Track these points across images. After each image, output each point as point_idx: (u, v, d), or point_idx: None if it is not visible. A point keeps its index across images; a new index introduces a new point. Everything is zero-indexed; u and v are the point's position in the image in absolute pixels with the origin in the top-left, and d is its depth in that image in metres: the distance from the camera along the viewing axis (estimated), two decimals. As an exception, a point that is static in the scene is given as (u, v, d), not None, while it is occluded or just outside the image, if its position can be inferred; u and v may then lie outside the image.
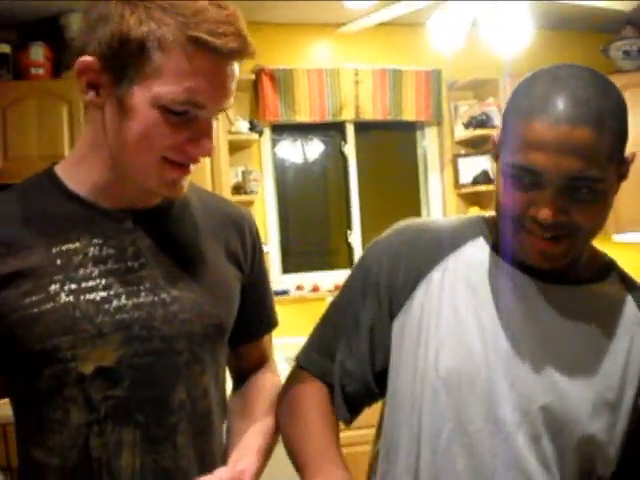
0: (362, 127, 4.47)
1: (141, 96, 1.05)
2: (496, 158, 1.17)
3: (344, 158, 4.47)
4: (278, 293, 3.98)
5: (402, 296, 1.24)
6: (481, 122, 4.22)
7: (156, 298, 1.15)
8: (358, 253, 4.30)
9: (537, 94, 1.07)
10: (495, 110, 4.20)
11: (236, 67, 1.09)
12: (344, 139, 4.46)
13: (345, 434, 1.31)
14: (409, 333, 1.22)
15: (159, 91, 1.04)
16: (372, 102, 4.27)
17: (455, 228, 1.28)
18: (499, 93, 4.22)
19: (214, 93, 1.07)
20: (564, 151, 1.03)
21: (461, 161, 4.46)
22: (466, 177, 4.41)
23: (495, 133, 1.19)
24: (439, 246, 1.25)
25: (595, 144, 1.03)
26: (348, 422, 1.29)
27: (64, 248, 1.12)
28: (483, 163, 4.33)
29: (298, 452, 1.20)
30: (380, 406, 1.31)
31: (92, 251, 1.14)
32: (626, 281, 1.25)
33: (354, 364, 1.26)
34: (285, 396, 1.31)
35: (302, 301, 4.10)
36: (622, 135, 1.09)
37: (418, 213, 4.59)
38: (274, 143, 4.37)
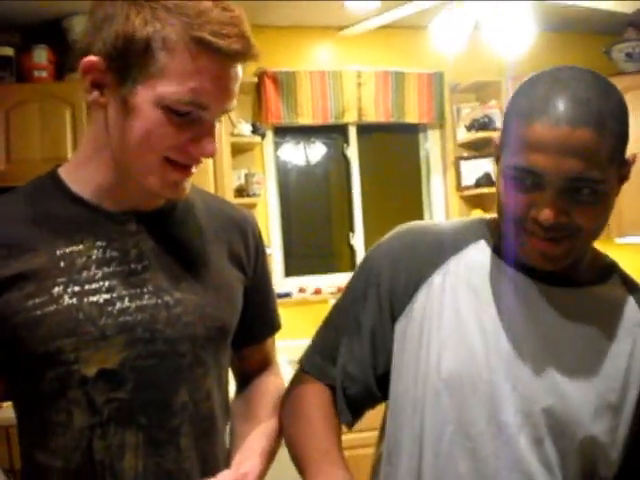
0: (364, 129, 4.47)
1: (145, 96, 1.05)
2: (497, 160, 1.17)
3: (346, 160, 4.47)
4: (280, 296, 3.98)
5: (403, 299, 1.24)
6: (483, 124, 4.22)
7: (159, 300, 1.15)
8: (360, 256, 4.30)
9: (538, 96, 1.07)
10: (497, 112, 4.19)
11: (239, 69, 1.09)
12: (346, 141, 4.46)
13: (347, 437, 1.31)
14: (411, 336, 1.22)
15: (163, 91, 1.04)
16: (374, 104, 4.27)
17: (457, 231, 1.28)
18: (501, 95, 4.22)
19: (217, 94, 1.07)
20: (565, 152, 1.03)
21: (463, 163, 4.46)
22: (469, 179, 4.40)
23: (497, 135, 1.19)
24: (440, 249, 1.25)
25: (596, 145, 1.03)
26: (350, 425, 1.29)
27: (68, 250, 1.13)
28: (485, 165, 4.33)
29: (300, 453, 1.20)
30: (383, 409, 1.31)
31: (95, 253, 1.14)
32: (628, 283, 1.25)
33: (356, 367, 1.26)
34: (288, 398, 1.31)
35: (304, 304, 4.10)
36: (623, 136, 1.09)
37: (420, 216, 4.58)
38: (277, 146, 4.37)
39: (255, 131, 4.03)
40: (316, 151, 4.50)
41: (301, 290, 4.21)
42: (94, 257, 1.14)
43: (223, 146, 3.65)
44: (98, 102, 1.10)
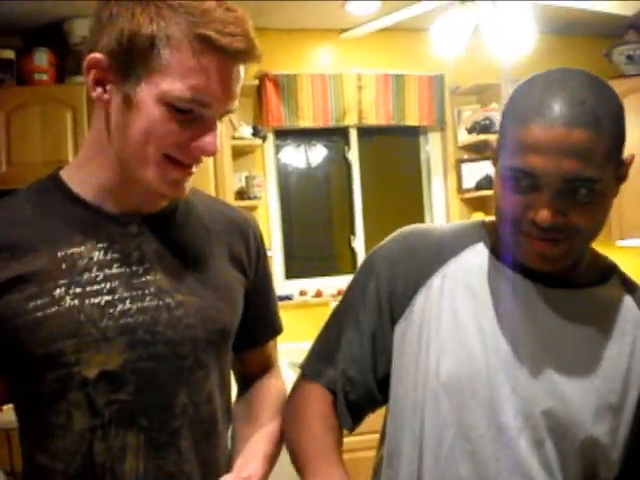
0: (365, 132, 4.47)
1: (148, 92, 1.06)
2: (494, 162, 1.17)
3: (347, 163, 4.47)
4: (281, 298, 3.98)
5: (403, 302, 1.24)
6: (484, 127, 4.22)
7: (160, 302, 1.15)
8: (361, 258, 4.28)
9: (533, 98, 1.08)
10: (498, 115, 4.18)
11: (242, 70, 1.10)
12: (347, 144, 4.46)
13: (348, 440, 1.31)
14: (410, 339, 1.23)
15: (165, 88, 1.05)
16: (375, 107, 4.27)
17: (456, 234, 1.28)
18: (502, 98, 4.22)
19: (219, 92, 1.07)
20: (561, 153, 1.03)
21: (464, 166, 4.46)
22: (469, 182, 4.41)
23: (495, 138, 1.19)
24: (440, 252, 1.25)
25: (592, 145, 1.04)
26: (351, 429, 1.29)
27: (69, 252, 1.13)
28: (486, 168, 4.32)
29: (299, 456, 1.21)
30: (383, 411, 1.31)
31: (97, 255, 1.14)
32: (627, 284, 1.25)
33: (356, 371, 1.26)
34: (290, 403, 1.31)
35: (305, 306, 4.10)
36: (619, 136, 1.09)
37: (421, 218, 4.58)
38: (277, 148, 4.37)
39: (256, 134, 4.03)
40: (317, 154, 4.50)
41: (302, 293, 4.21)
42: (95, 259, 1.14)
43: (224, 149, 3.65)
44: (101, 99, 1.10)
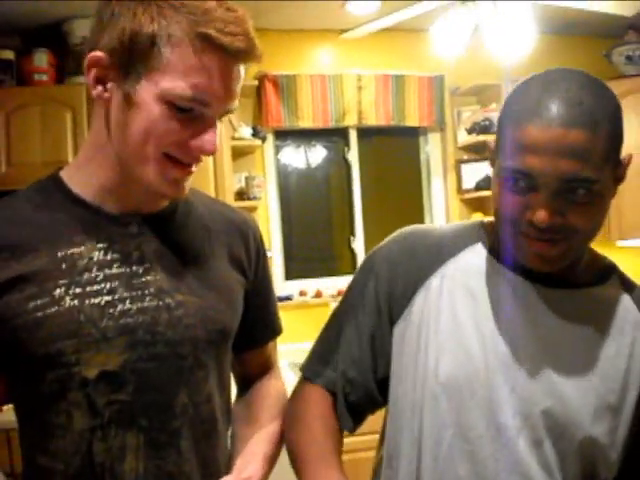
0: (365, 133, 4.47)
1: (148, 91, 1.06)
2: (493, 163, 1.18)
3: (347, 164, 4.47)
4: (281, 299, 3.98)
5: (402, 303, 1.24)
6: (484, 128, 4.22)
7: (160, 303, 1.15)
8: (361, 259, 4.28)
9: (530, 98, 1.08)
10: (498, 116, 4.19)
11: (242, 69, 1.10)
12: (347, 145, 4.46)
13: (348, 440, 1.31)
14: (409, 339, 1.23)
15: (166, 86, 1.05)
16: (375, 108, 4.27)
17: (456, 234, 1.28)
18: (502, 99, 4.21)
19: (220, 91, 1.07)
20: (558, 153, 1.03)
21: (464, 167, 4.46)
22: (469, 183, 4.41)
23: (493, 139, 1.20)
24: (439, 252, 1.25)
25: (589, 145, 1.04)
26: (351, 430, 1.29)
27: (69, 252, 1.13)
28: (486, 168, 4.32)
29: (298, 457, 1.21)
30: (383, 412, 1.31)
31: (97, 255, 1.14)
32: (626, 284, 1.25)
33: (356, 373, 1.26)
34: (290, 405, 1.32)
35: (305, 307, 4.10)
36: (617, 136, 1.09)
37: (421, 219, 4.58)
38: (277, 149, 4.37)
39: (256, 134, 4.03)
40: (316, 154, 4.50)
41: (302, 293, 4.21)
42: (95, 259, 1.14)
43: (224, 149, 3.65)
44: (101, 97, 1.10)
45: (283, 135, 4.37)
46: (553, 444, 1.13)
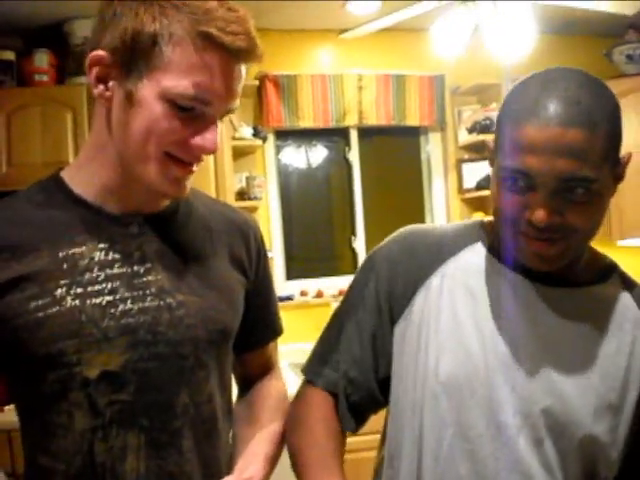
0: (366, 132, 4.47)
1: (149, 89, 1.06)
2: (492, 162, 1.18)
3: (348, 164, 4.47)
4: (282, 299, 3.98)
5: (402, 302, 1.24)
6: (485, 127, 4.21)
7: (162, 303, 1.15)
8: (362, 258, 4.27)
9: (528, 98, 1.08)
10: (499, 115, 4.19)
11: (243, 69, 1.10)
12: (348, 145, 4.46)
13: (350, 440, 1.31)
14: (410, 339, 1.23)
15: (167, 84, 1.05)
16: (375, 107, 4.27)
17: (456, 233, 1.28)
18: (502, 98, 4.19)
19: (221, 90, 1.08)
20: (556, 153, 1.03)
21: (465, 166, 4.46)
22: (470, 182, 4.40)
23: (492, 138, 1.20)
24: (439, 252, 1.25)
25: (587, 144, 1.04)
26: (354, 431, 1.29)
27: (70, 252, 1.13)
28: (487, 168, 4.26)
29: (299, 461, 1.21)
30: (385, 412, 1.31)
31: (98, 255, 1.14)
32: (627, 282, 1.25)
33: (358, 373, 1.26)
34: (292, 408, 1.32)
35: (306, 307, 4.10)
36: (616, 135, 1.09)
37: (422, 218, 4.58)
38: (278, 149, 4.37)
39: (256, 134, 4.03)
40: (317, 154, 4.50)
41: (303, 293, 4.21)
42: (97, 259, 1.14)
43: (224, 149, 3.65)
44: (103, 96, 1.11)
45: (284, 135, 4.37)
46: (553, 443, 1.13)
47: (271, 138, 4.27)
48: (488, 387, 1.14)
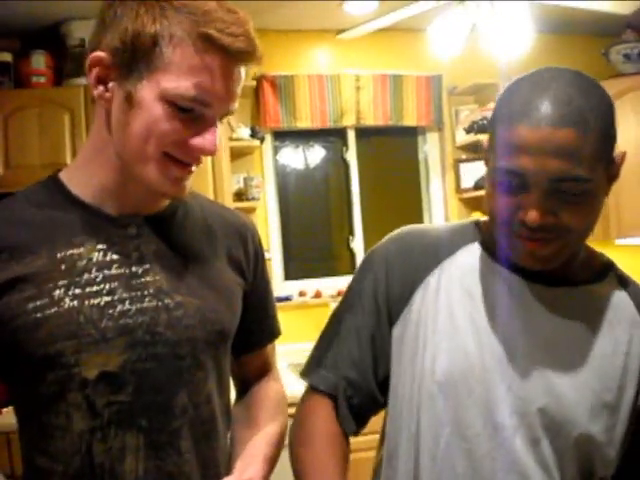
0: (363, 133, 4.47)
1: (149, 90, 1.07)
2: (487, 162, 1.18)
3: (345, 164, 4.47)
4: (281, 299, 3.98)
5: (400, 303, 1.25)
6: (482, 127, 4.21)
7: (160, 303, 1.15)
8: (360, 259, 4.26)
9: (520, 98, 1.08)
10: (496, 115, 4.19)
11: (242, 71, 1.11)
12: (345, 145, 4.46)
13: (350, 440, 1.31)
14: (408, 339, 1.23)
15: (167, 85, 1.06)
16: (373, 108, 4.27)
17: (452, 233, 1.29)
18: (500, 98, 4.21)
19: (221, 92, 1.08)
20: (548, 153, 1.03)
21: (462, 166, 4.46)
22: (467, 182, 4.41)
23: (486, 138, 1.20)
24: (436, 252, 1.25)
25: (579, 144, 1.03)
26: (355, 434, 1.28)
27: (68, 253, 1.13)
28: (484, 168, 4.32)
29: (302, 476, 1.21)
30: (383, 412, 1.31)
31: (96, 256, 1.14)
32: (624, 281, 1.25)
33: (357, 374, 1.26)
34: (296, 417, 1.31)
35: (305, 307, 4.10)
36: (609, 135, 1.09)
37: (420, 218, 4.59)
38: (275, 149, 4.37)
39: (254, 135, 4.03)
40: (315, 155, 4.50)
41: (301, 294, 4.21)
42: (95, 260, 1.14)
43: (222, 150, 3.64)
44: (102, 97, 1.11)
45: (281, 135, 4.37)
46: (550, 442, 1.13)
47: (269, 139, 4.27)
48: (485, 387, 1.14)
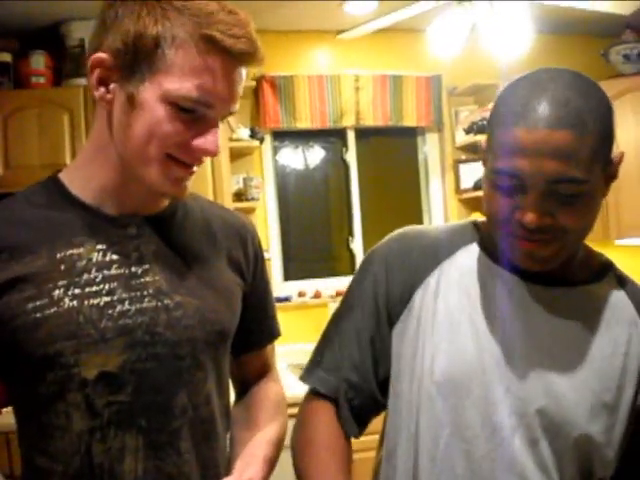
0: (363, 133, 4.47)
1: (151, 92, 1.07)
2: (485, 163, 1.17)
3: (345, 164, 4.47)
4: (280, 300, 3.98)
5: (400, 304, 1.24)
6: (482, 127, 4.21)
7: (159, 303, 1.15)
8: (360, 259, 4.26)
9: (517, 100, 1.08)
10: (495, 115, 4.19)
11: (244, 72, 1.11)
12: (345, 145, 4.46)
13: (351, 440, 1.31)
14: (407, 340, 1.23)
15: (169, 87, 1.06)
16: (373, 108, 4.27)
17: (451, 234, 1.28)
18: (499, 98, 4.21)
19: (223, 93, 1.08)
20: (544, 154, 1.03)
21: (462, 166, 4.46)
22: (467, 182, 4.41)
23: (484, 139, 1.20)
24: (435, 253, 1.25)
25: (576, 146, 1.03)
26: (357, 436, 1.28)
27: (68, 253, 1.13)
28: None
29: None
30: (384, 413, 1.31)
31: (96, 256, 1.14)
32: (623, 281, 1.25)
33: (358, 376, 1.26)
34: (298, 424, 1.30)
35: (304, 308, 4.10)
36: (607, 136, 1.08)
37: (419, 219, 4.59)
38: (275, 150, 4.37)
39: (253, 135, 4.03)
40: (315, 155, 4.50)
41: (301, 294, 4.20)
42: (94, 260, 1.14)
43: (222, 150, 3.63)
44: (104, 99, 1.11)
45: (281, 136, 4.37)
46: (549, 443, 1.13)
47: (268, 139, 4.27)
48: (483, 387, 1.14)
